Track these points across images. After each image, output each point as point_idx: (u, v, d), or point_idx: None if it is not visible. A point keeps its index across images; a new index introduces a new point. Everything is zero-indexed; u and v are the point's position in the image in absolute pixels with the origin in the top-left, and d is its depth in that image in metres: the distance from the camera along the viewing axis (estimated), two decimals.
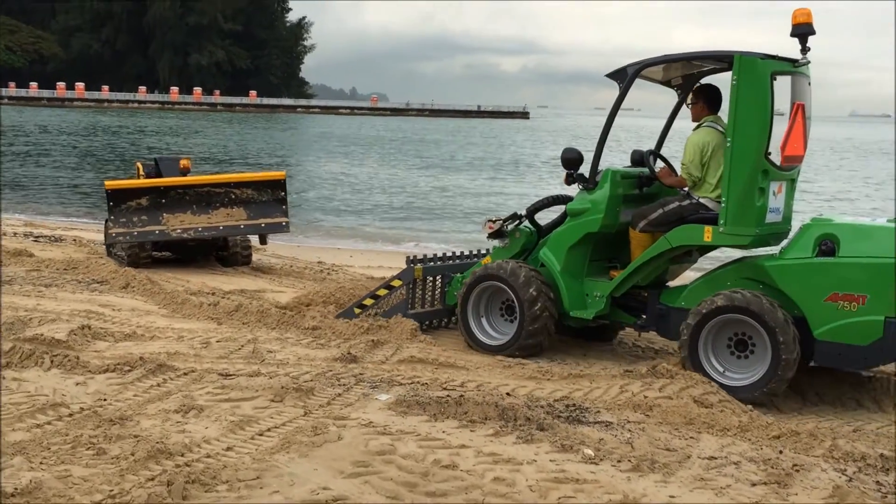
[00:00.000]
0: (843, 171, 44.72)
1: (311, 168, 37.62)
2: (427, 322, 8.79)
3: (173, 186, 12.31)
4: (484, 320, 8.17)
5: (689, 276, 8.31)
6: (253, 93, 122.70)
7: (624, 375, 7.21)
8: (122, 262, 11.96)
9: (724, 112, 7.74)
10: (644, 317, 7.83)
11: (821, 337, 6.78)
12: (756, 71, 6.97)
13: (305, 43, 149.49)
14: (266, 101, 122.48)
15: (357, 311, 8.77)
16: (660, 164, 8.02)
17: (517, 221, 8.39)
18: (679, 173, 7.74)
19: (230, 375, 6.95)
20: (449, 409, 6.18)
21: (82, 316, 8.78)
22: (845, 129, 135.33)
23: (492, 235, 8.37)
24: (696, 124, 7.64)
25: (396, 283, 8.59)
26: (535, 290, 7.74)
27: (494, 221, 8.30)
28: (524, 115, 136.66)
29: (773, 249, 7.48)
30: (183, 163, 13.45)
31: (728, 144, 7.08)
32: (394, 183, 32.46)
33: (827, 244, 6.86)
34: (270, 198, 12.51)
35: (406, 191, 29.78)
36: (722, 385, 6.89)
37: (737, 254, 7.74)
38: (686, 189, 7.60)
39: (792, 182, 7.50)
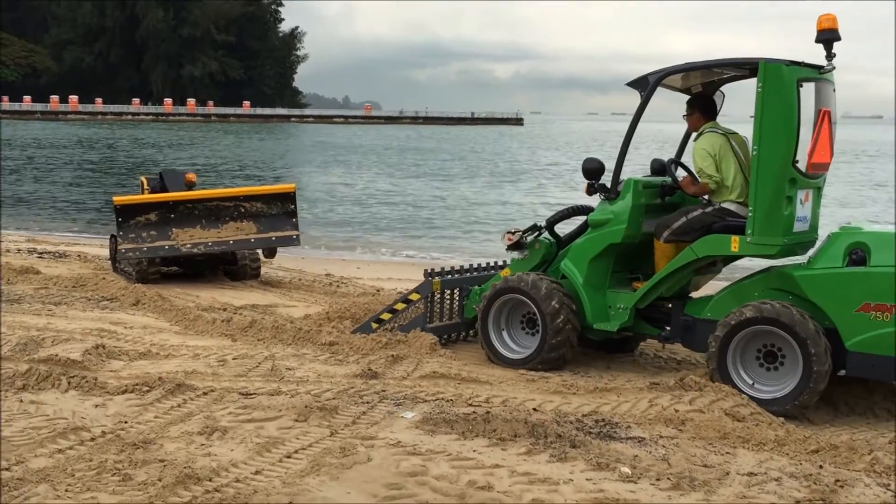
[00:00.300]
0: (841, 172, 44.72)
1: (311, 178, 37.48)
2: (445, 335, 8.67)
3: (182, 201, 12.19)
4: (505, 334, 8.04)
5: (714, 285, 8.18)
6: (246, 103, 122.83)
7: (651, 388, 7.08)
8: (130, 278, 11.83)
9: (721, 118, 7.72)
10: (668, 328, 7.71)
11: (853, 348, 6.66)
12: (782, 78, 6.87)
13: (298, 52, 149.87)
14: (260, 111, 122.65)
15: (374, 325, 8.65)
16: (681, 172, 7.91)
17: (536, 233, 8.27)
18: (694, 181, 7.66)
19: (251, 394, 6.82)
20: (477, 427, 6.05)
21: (95, 335, 8.64)
22: (840, 131, 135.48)
23: (511, 247, 8.25)
24: (696, 133, 7.59)
25: (414, 296, 8.48)
26: (557, 302, 7.62)
27: (513, 233, 8.18)
28: (518, 121, 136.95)
29: (800, 258, 7.37)
30: (189, 177, 13.37)
31: (754, 153, 6.97)
32: (395, 193, 32.35)
33: (857, 253, 6.75)
34: (280, 211, 12.39)
35: (407, 200, 29.65)
36: (752, 398, 6.77)
37: (762, 263, 7.62)
38: (706, 196, 7.49)
39: (818, 190, 7.40)
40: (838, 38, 6.98)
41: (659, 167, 8.13)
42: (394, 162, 49.66)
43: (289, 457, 5.55)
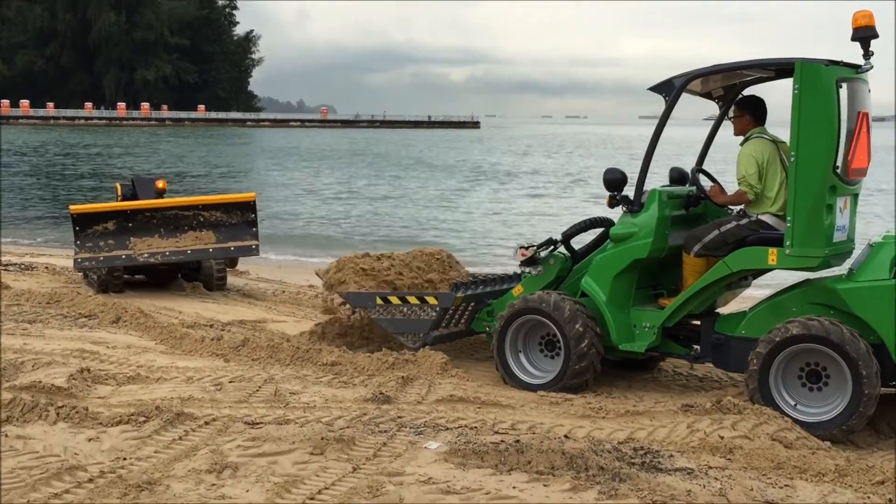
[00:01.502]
0: None
1: (275, 182, 36.78)
2: (445, 341, 8.28)
3: (140, 210, 11.92)
4: (522, 356, 7.54)
5: (751, 297, 7.76)
6: (201, 107, 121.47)
7: (686, 411, 6.62)
8: (94, 288, 11.52)
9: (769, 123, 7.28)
10: (697, 347, 7.27)
11: None
12: (820, 79, 6.46)
13: (254, 56, 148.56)
14: (215, 115, 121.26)
15: (379, 301, 8.14)
16: (705, 181, 7.47)
17: (551, 247, 7.79)
18: (724, 190, 7.25)
19: (257, 424, 6.27)
20: (510, 459, 5.56)
21: (77, 356, 8.02)
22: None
23: (524, 263, 7.76)
24: (742, 138, 7.13)
25: (432, 300, 7.94)
26: (581, 325, 7.14)
27: (527, 248, 7.69)
28: (475, 124, 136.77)
29: (836, 270, 6.98)
30: (159, 184, 13.05)
31: (792, 159, 6.56)
32: (359, 196, 31.78)
33: None
34: (240, 220, 12.12)
35: (375, 204, 29.10)
36: (795, 420, 6.35)
37: (795, 276, 7.21)
38: (741, 207, 7.06)
39: (855, 197, 7.00)
40: (876, 36, 6.60)
41: (678, 176, 7.71)
42: (360, 165, 49.06)
43: (312, 499, 5.02)
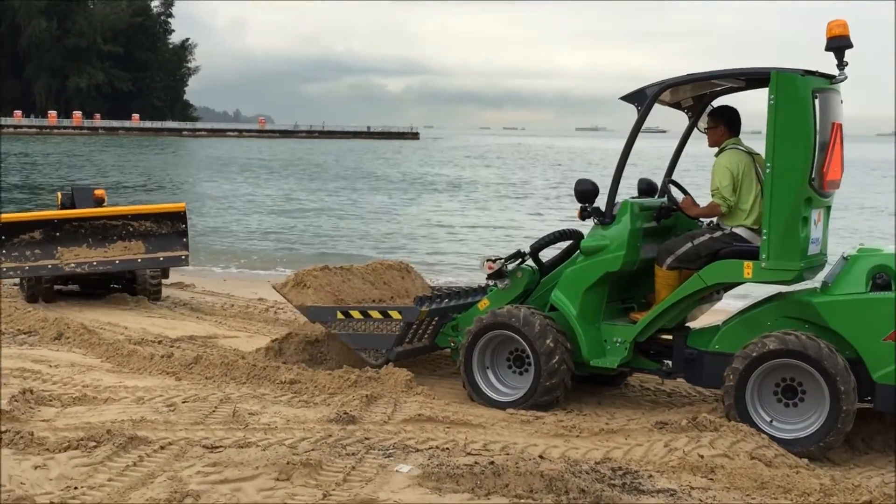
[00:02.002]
0: None
1: (215, 195, 36.14)
2: (408, 357, 8.01)
3: (68, 219, 11.68)
4: (490, 372, 7.29)
5: (723, 310, 7.60)
6: (136, 116, 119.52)
7: (661, 429, 6.43)
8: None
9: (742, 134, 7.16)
10: (668, 362, 7.10)
11: (881, 380, 6.16)
12: (796, 88, 6.34)
13: (189, 65, 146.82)
14: (150, 124, 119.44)
15: (339, 315, 7.86)
16: (676, 192, 7.32)
17: (519, 260, 7.57)
18: (696, 202, 7.10)
19: (216, 447, 5.94)
20: (487, 482, 5.33)
21: (17, 376, 7.61)
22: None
23: (491, 276, 7.53)
24: (716, 149, 6.99)
25: (395, 315, 7.66)
26: (552, 340, 6.91)
27: (494, 261, 7.45)
28: (414, 135, 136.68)
29: (809, 284, 6.87)
30: (97, 193, 12.77)
31: (768, 171, 6.42)
32: (303, 208, 31.35)
33: (882, 277, 6.26)
34: (170, 230, 11.94)
35: (319, 217, 28.71)
36: (772, 437, 6.20)
37: (767, 289, 7.08)
38: (714, 220, 6.91)
39: (828, 209, 6.89)
40: (850, 45, 6.49)
41: (647, 187, 7.55)
42: (300, 175, 48.51)
43: None
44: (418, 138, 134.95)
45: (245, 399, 7.13)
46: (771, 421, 6.39)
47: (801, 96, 6.32)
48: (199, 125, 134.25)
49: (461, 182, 47.05)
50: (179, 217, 12.05)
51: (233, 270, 17.45)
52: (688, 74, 6.87)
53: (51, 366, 8.11)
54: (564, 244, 7.75)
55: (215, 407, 6.87)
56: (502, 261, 7.47)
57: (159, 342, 9.20)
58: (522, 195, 39.46)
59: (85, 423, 6.38)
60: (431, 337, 7.96)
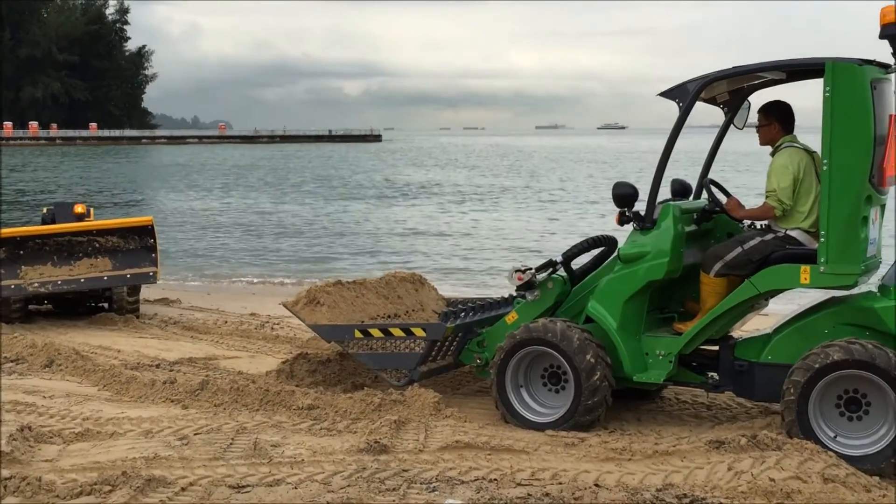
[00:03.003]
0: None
1: (181, 207, 35.37)
2: (431, 375, 7.54)
3: (31, 236, 11.19)
4: (524, 391, 6.80)
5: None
6: (93, 125, 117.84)
7: (718, 449, 5.98)
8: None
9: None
10: (713, 375, 6.66)
11: None
12: (854, 79, 5.92)
13: (147, 72, 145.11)
14: (108, 133, 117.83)
15: (357, 334, 7.35)
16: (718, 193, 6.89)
17: (550, 270, 7.10)
18: (740, 204, 6.67)
19: (242, 487, 5.43)
20: None
21: (10, 409, 7.03)
22: (682, 140, 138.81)
23: (521, 288, 7.05)
24: (772, 148, 6.55)
25: (419, 332, 7.15)
26: (592, 356, 6.44)
27: (524, 272, 6.97)
28: (376, 137, 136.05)
29: (859, 287, 6.45)
30: (77, 208, 12.34)
31: (825, 168, 6.00)
32: (276, 216, 30.71)
33: None
34: (138, 245, 11.45)
35: (294, 225, 28.10)
36: (838, 454, 5.78)
37: (814, 294, 6.66)
38: (766, 222, 6.48)
39: (882, 208, 6.48)
40: None
41: (681, 188, 7.11)
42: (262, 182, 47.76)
43: None
44: (381, 140, 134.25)
45: (262, 428, 6.61)
46: (835, 436, 5.97)
47: (859, 87, 5.91)
48: (158, 133, 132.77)
49: (432, 185, 46.45)
50: (147, 231, 11.56)
51: (210, 283, 16.83)
52: (733, 67, 6.42)
53: (45, 397, 7.53)
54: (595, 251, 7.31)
55: (232, 439, 6.36)
56: (532, 271, 6.99)
57: (157, 366, 8.65)
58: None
59: (93, 463, 5.85)
60: (456, 354, 7.48)
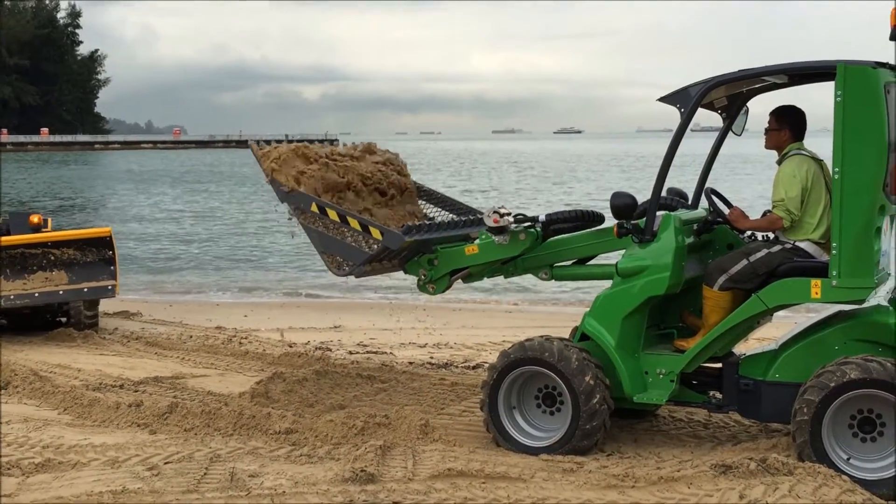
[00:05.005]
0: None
1: (140, 214, 34.62)
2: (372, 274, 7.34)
3: None
4: (517, 413, 6.43)
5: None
6: (45, 130, 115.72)
7: (725, 474, 5.65)
8: None
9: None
10: (717, 394, 6.34)
11: None
12: (868, 83, 5.62)
13: (99, 76, 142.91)
14: (60, 138, 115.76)
15: (314, 207, 6.93)
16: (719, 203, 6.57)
17: (527, 224, 6.75)
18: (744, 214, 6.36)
19: None
20: None
21: None
22: (639, 145, 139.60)
23: (493, 230, 6.67)
24: (777, 153, 6.24)
25: (375, 233, 6.73)
26: (591, 378, 6.07)
27: (502, 216, 6.58)
28: (332, 142, 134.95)
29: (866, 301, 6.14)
30: (33, 219, 11.66)
31: (836, 177, 5.69)
32: (238, 224, 30.10)
33: None
34: (96, 258, 10.92)
35: (258, 235, 27.54)
36: (852, 478, 5.47)
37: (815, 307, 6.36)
38: (773, 233, 6.17)
39: (893, 217, 6.18)
40: None
41: (671, 199, 6.79)
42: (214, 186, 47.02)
43: None
44: (336, 144, 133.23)
45: (237, 456, 6.17)
46: (848, 459, 5.65)
47: (873, 92, 5.61)
48: (111, 138, 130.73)
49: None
50: (105, 243, 11.03)
51: (177, 296, 16.25)
52: (739, 70, 6.09)
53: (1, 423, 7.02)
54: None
55: (205, 468, 5.92)
56: (510, 218, 6.59)
57: (121, 386, 8.14)
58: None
59: (56, 499, 5.40)
60: (403, 262, 7.14)
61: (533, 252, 6.81)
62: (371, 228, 6.79)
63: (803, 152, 6.11)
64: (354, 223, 6.85)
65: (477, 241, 6.94)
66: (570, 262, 6.89)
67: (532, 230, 6.74)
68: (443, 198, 8.24)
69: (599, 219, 6.93)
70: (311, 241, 7.08)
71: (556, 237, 6.85)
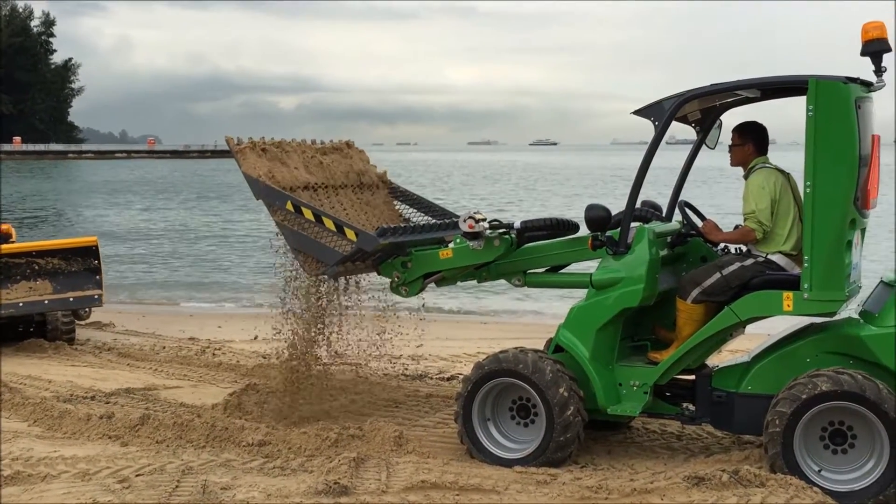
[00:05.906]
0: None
1: (115, 224, 34.39)
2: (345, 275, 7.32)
3: None
4: (491, 424, 6.43)
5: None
6: (17, 139, 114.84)
7: (697, 485, 5.67)
8: None
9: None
10: (690, 406, 6.36)
11: None
12: (839, 98, 5.68)
13: (73, 85, 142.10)
14: (33, 147, 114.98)
15: (289, 206, 6.85)
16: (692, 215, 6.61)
17: (502, 230, 6.75)
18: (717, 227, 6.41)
19: None
20: None
21: None
22: (616, 157, 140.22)
23: (467, 235, 6.67)
24: (744, 169, 6.30)
25: (350, 234, 6.68)
26: (565, 389, 6.08)
27: (478, 222, 6.58)
28: None
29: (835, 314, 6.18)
30: (3, 228, 11.44)
31: (808, 190, 5.74)
32: (216, 235, 29.97)
33: None
34: (81, 267, 10.86)
35: (241, 245, 27.42)
36: (824, 490, 5.51)
37: (789, 321, 6.39)
38: (745, 246, 6.21)
39: (863, 231, 6.24)
40: (888, 49, 5.86)
41: (645, 212, 6.83)
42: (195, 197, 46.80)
43: None
44: None
45: (210, 468, 6.13)
46: (819, 471, 5.69)
47: (844, 106, 5.67)
48: (85, 147, 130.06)
49: None
50: (91, 252, 10.97)
51: (153, 307, 16.15)
52: (711, 85, 6.14)
53: None
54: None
55: (177, 481, 5.88)
56: (485, 224, 6.59)
57: (92, 398, 8.08)
58: None
59: None
60: (376, 263, 7.12)
61: (507, 258, 6.81)
62: (346, 230, 6.76)
63: (768, 165, 6.18)
64: (329, 223, 6.82)
65: (451, 246, 6.96)
66: (543, 270, 6.91)
67: (507, 236, 6.76)
68: (417, 199, 8.22)
69: (574, 227, 6.95)
70: (286, 240, 7.06)
71: (530, 244, 6.86)
